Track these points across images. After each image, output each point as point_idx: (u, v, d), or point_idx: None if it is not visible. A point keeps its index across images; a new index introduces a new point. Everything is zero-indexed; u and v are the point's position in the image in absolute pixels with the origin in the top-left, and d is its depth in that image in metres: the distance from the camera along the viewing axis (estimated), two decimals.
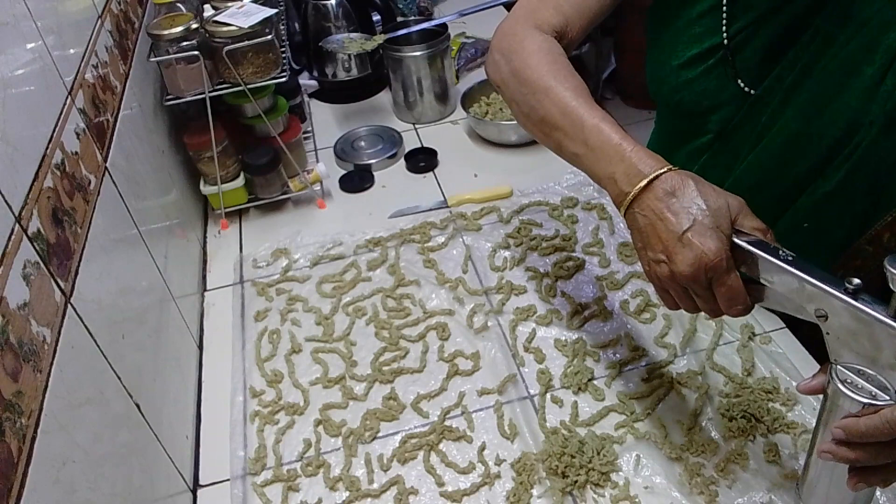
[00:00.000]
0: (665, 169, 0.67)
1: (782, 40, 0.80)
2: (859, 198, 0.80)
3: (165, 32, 1.07)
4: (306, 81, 1.59)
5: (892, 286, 0.53)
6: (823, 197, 0.80)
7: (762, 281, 0.64)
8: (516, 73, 0.82)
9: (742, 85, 0.83)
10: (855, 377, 0.57)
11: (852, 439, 0.56)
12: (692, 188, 0.65)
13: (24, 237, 0.59)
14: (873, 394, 0.56)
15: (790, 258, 0.61)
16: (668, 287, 0.68)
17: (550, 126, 0.77)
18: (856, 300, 0.56)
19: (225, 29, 1.09)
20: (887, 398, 0.55)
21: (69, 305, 0.64)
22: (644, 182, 0.66)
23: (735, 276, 0.64)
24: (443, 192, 1.28)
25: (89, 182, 0.76)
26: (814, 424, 0.70)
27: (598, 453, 0.81)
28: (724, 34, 0.82)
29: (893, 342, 0.54)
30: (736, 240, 0.64)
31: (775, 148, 0.81)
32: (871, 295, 0.56)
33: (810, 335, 0.94)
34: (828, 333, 0.59)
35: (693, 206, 0.64)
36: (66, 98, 0.76)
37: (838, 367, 0.58)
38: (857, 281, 0.56)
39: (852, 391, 0.56)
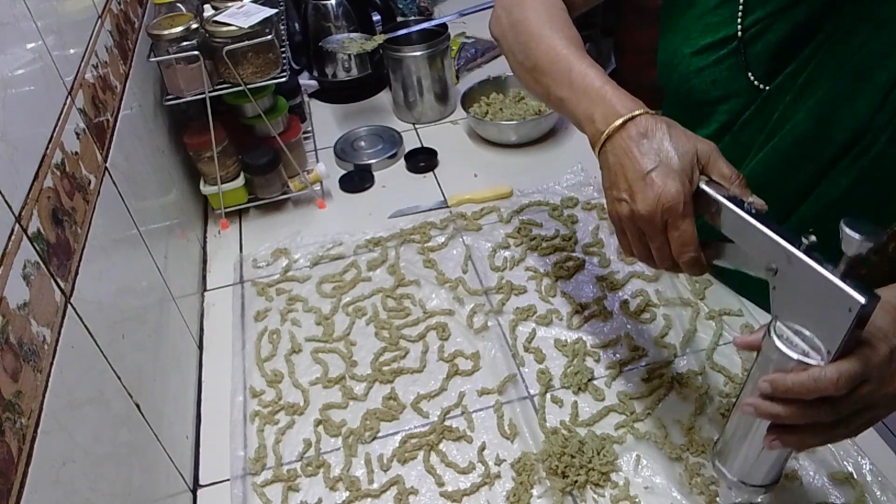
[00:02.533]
0: (641, 111, 0.68)
1: (796, 36, 0.80)
2: (866, 207, 0.80)
3: (165, 32, 1.07)
4: (306, 81, 1.59)
5: (843, 248, 0.53)
6: (830, 203, 0.80)
7: (723, 232, 0.64)
8: (514, 25, 0.85)
9: (752, 78, 0.83)
10: (792, 335, 0.57)
11: (777, 394, 0.56)
12: (663, 131, 0.65)
13: (24, 237, 0.59)
14: (806, 352, 0.56)
15: (752, 211, 0.61)
16: (627, 228, 0.68)
17: (540, 72, 0.79)
18: (808, 256, 0.56)
19: (225, 29, 1.09)
20: (818, 358, 0.55)
21: (69, 305, 0.64)
22: (619, 122, 0.67)
23: (689, 222, 0.64)
24: (443, 192, 1.28)
25: (89, 182, 0.76)
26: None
27: (598, 453, 0.81)
28: (739, 25, 0.82)
29: (836, 303, 0.53)
30: (703, 185, 0.64)
31: (785, 148, 0.80)
32: (827, 257, 0.56)
33: None
34: (774, 288, 0.59)
35: (661, 149, 0.65)
36: (66, 98, 0.76)
37: (777, 323, 0.59)
38: (813, 238, 0.56)
39: (786, 346, 0.57)
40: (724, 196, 0.63)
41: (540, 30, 0.81)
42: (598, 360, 0.94)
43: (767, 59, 0.82)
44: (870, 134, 0.74)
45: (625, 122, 0.67)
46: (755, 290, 0.95)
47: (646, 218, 0.65)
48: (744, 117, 0.85)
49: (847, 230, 0.52)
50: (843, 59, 0.75)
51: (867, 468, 0.78)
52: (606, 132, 0.68)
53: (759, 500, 0.76)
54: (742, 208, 0.62)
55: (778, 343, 0.57)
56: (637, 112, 0.68)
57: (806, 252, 0.56)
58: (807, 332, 0.57)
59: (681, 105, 0.91)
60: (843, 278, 0.53)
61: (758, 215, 0.61)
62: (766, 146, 0.83)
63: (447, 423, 0.89)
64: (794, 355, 0.56)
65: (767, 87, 0.83)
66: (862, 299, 0.52)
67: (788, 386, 0.55)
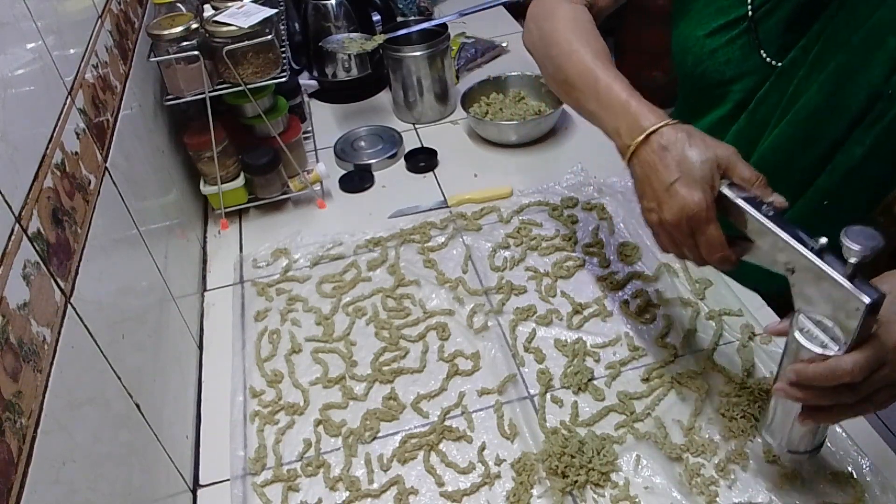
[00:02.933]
0: (662, 123, 0.71)
1: (806, 11, 0.81)
2: (879, 173, 0.80)
3: (165, 32, 1.07)
4: (306, 81, 1.59)
5: (845, 255, 0.58)
6: (846, 174, 0.81)
7: (746, 233, 0.68)
8: (544, 38, 0.90)
9: (764, 55, 0.85)
10: (813, 327, 0.63)
11: (801, 382, 0.62)
12: (683, 141, 0.70)
13: (24, 237, 0.59)
14: (824, 344, 0.61)
15: (770, 213, 0.65)
16: (660, 233, 0.74)
17: (570, 85, 0.84)
18: (820, 258, 0.61)
19: (225, 29, 1.09)
20: (836, 349, 0.61)
21: (69, 305, 0.64)
22: (641, 137, 0.72)
23: (715, 227, 0.68)
24: (443, 192, 1.28)
25: (89, 182, 0.76)
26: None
27: (598, 453, 0.81)
28: (749, 5, 0.85)
29: (846, 302, 0.59)
30: (724, 190, 0.68)
31: (800, 122, 0.82)
32: (837, 255, 0.60)
33: None
34: (793, 286, 0.64)
35: (683, 159, 0.69)
36: (66, 98, 0.76)
37: (800, 316, 0.64)
38: (823, 240, 0.61)
39: (807, 339, 0.62)
40: (743, 199, 0.67)
41: (568, 43, 0.85)
42: (598, 360, 0.94)
43: (778, 35, 0.83)
44: (882, 101, 0.76)
45: (647, 136, 0.71)
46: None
47: (673, 225, 0.70)
48: (758, 95, 0.86)
49: (846, 241, 0.58)
50: (853, 29, 0.76)
51: (867, 468, 0.78)
52: (632, 147, 0.73)
53: (760, 499, 0.76)
54: (760, 210, 0.66)
55: (798, 336, 0.63)
56: (659, 125, 0.71)
57: (817, 254, 0.61)
58: (827, 323, 0.62)
59: (696, 88, 0.92)
60: (850, 279, 0.58)
61: (774, 217, 0.65)
62: (782, 122, 0.83)
63: (447, 423, 0.89)
64: (814, 347, 0.62)
65: (780, 64, 0.84)
66: (867, 299, 0.57)
67: (810, 376, 0.61)
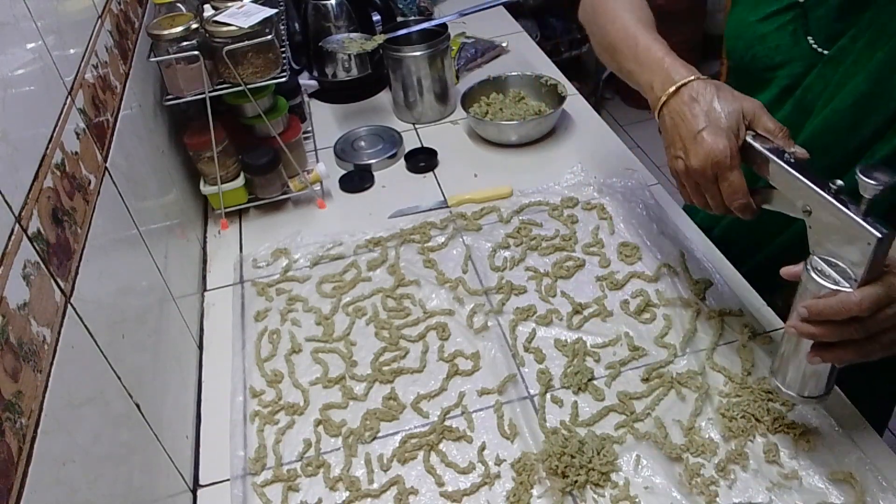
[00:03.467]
0: (693, 77, 0.77)
1: (856, 1, 0.82)
2: None
3: (165, 32, 1.07)
4: (306, 81, 1.59)
5: (861, 192, 0.62)
6: (884, 161, 0.82)
7: (768, 179, 0.72)
8: (595, 8, 0.98)
9: (812, 42, 0.87)
10: (826, 267, 0.67)
11: (812, 317, 0.65)
12: (712, 93, 0.75)
13: (24, 237, 0.59)
14: (836, 281, 0.66)
15: (792, 160, 0.70)
16: (685, 181, 0.78)
17: (613, 49, 0.89)
18: (835, 199, 0.65)
19: (225, 29, 1.09)
20: (847, 286, 0.65)
21: (69, 305, 0.64)
22: (673, 88, 0.77)
23: (737, 174, 0.73)
24: (443, 192, 1.28)
25: (89, 182, 0.76)
26: (811, 424, 0.82)
27: (598, 453, 0.81)
28: None
29: (858, 238, 0.63)
30: (749, 139, 0.73)
31: (845, 110, 0.83)
32: (853, 198, 0.64)
33: None
34: (810, 227, 0.68)
35: (710, 109, 0.74)
36: (66, 98, 0.76)
37: (814, 257, 0.68)
38: (840, 182, 0.65)
39: (820, 277, 0.66)
40: (766, 148, 0.71)
41: (614, 11, 0.92)
42: (598, 360, 0.94)
43: (828, 23, 0.85)
44: None
45: (678, 88, 0.77)
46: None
47: (699, 172, 0.74)
48: (805, 82, 0.87)
49: (862, 178, 0.62)
50: None
51: (867, 468, 0.78)
52: (663, 98, 0.78)
53: (760, 499, 0.76)
54: (782, 159, 0.70)
55: (812, 274, 0.67)
56: (690, 78, 0.77)
57: (833, 195, 0.65)
58: (840, 264, 0.66)
59: (745, 72, 0.94)
60: (864, 217, 0.63)
61: (795, 164, 0.69)
62: (826, 109, 0.85)
63: (447, 423, 0.89)
64: (826, 284, 0.66)
65: (827, 52, 0.85)
66: (878, 234, 0.61)
67: (820, 309, 0.65)
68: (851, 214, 0.63)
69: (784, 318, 0.96)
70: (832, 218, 0.65)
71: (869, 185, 0.62)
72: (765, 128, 0.73)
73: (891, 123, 0.82)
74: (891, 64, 0.79)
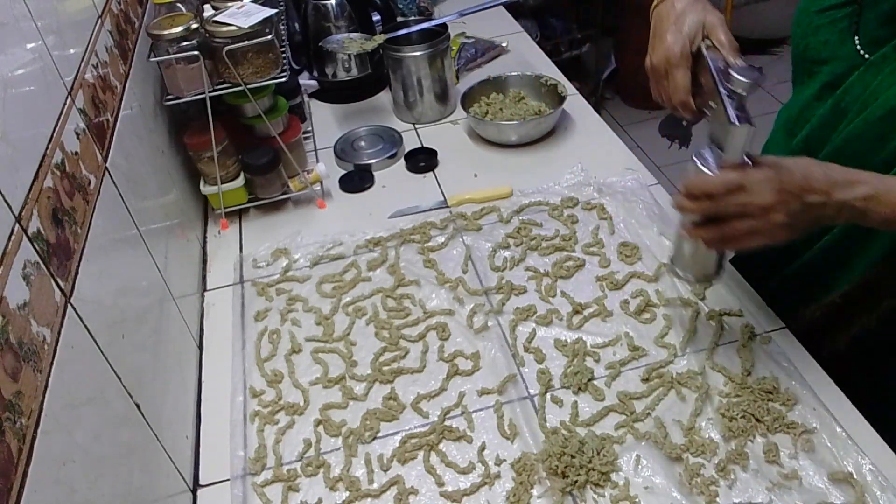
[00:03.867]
0: None
1: None
2: None
3: (165, 32, 1.07)
4: (306, 81, 1.59)
5: (733, 87, 0.74)
6: None
7: (701, 80, 0.82)
8: None
9: (857, 43, 0.86)
10: (709, 156, 0.76)
11: (685, 191, 0.76)
12: (689, 5, 0.83)
13: (24, 237, 0.59)
14: (710, 168, 0.75)
15: (720, 67, 0.77)
16: (650, 75, 0.87)
17: None
18: (726, 92, 0.74)
19: (225, 29, 1.09)
20: (714, 171, 0.75)
21: (69, 305, 0.64)
22: None
23: (682, 73, 0.82)
24: (443, 192, 1.28)
25: (89, 182, 0.76)
26: (811, 424, 0.83)
27: (598, 453, 0.81)
28: None
29: (726, 126, 0.73)
30: (703, 48, 0.82)
31: (875, 120, 0.83)
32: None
33: (810, 335, 0.94)
34: (710, 122, 0.79)
35: (681, 16, 0.83)
36: (66, 98, 0.76)
37: (700, 149, 0.78)
38: (742, 92, 0.74)
39: (699, 161, 0.77)
40: (709, 56, 0.80)
41: None
42: (598, 360, 0.94)
43: (875, 27, 0.84)
44: None
45: None
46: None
47: (654, 65, 0.85)
48: (846, 83, 0.87)
49: (734, 75, 0.74)
50: None
51: (867, 468, 0.78)
52: (655, 2, 0.88)
53: (760, 499, 0.76)
54: (712, 64, 0.78)
55: (694, 158, 0.77)
56: None
57: (727, 91, 0.75)
58: (718, 152, 0.76)
59: (799, 61, 0.96)
60: (735, 109, 0.73)
61: (718, 70, 0.77)
62: (859, 117, 0.85)
63: (447, 423, 0.89)
64: (700, 166, 0.76)
65: (869, 56, 0.85)
66: (736, 123, 0.72)
67: (687, 185, 0.76)
68: (726, 104, 0.73)
69: (783, 318, 0.97)
70: (720, 108, 0.75)
71: (740, 81, 0.74)
72: (718, 40, 0.81)
73: None
74: None
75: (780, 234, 0.74)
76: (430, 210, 1.24)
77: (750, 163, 0.74)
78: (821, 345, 0.93)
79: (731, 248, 0.81)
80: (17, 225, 0.58)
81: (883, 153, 0.83)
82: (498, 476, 0.83)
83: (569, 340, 0.97)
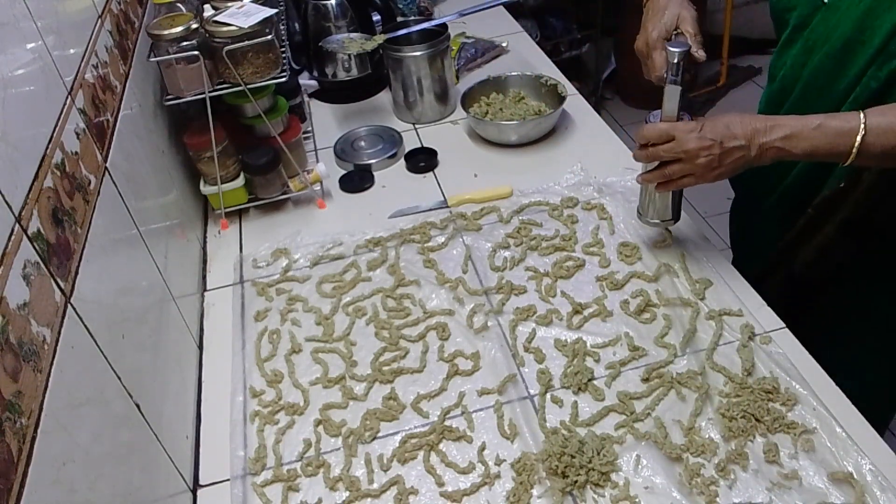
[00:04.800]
0: None
1: None
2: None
3: (165, 32, 1.07)
4: (306, 81, 1.59)
5: (668, 58, 0.91)
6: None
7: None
8: None
9: None
10: (656, 115, 0.94)
11: (639, 141, 0.93)
12: (673, 1, 0.99)
13: (24, 237, 0.59)
14: (657, 118, 0.93)
15: (678, 50, 0.90)
16: (638, 56, 1.01)
17: None
18: (668, 66, 0.91)
19: (225, 29, 1.09)
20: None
21: (69, 305, 0.64)
22: None
23: (659, 53, 0.96)
24: (443, 192, 1.28)
25: (89, 182, 0.76)
26: (811, 424, 0.84)
27: (598, 453, 0.81)
28: None
29: (665, 94, 0.91)
30: (674, 36, 0.97)
31: (835, 53, 0.93)
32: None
33: (810, 335, 0.95)
34: (664, 90, 0.92)
35: (665, 10, 0.98)
36: (66, 98, 0.76)
37: (658, 111, 0.94)
38: (678, 69, 0.91)
39: (649, 119, 0.95)
40: (671, 43, 0.94)
41: None
42: (598, 360, 0.94)
43: None
44: None
45: None
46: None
47: (639, 48, 1.00)
48: (811, 24, 0.97)
49: (669, 47, 0.91)
50: None
51: (867, 468, 0.78)
52: None
53: (760, 499, 0.76)
54: (671, 45, 0.92)
55: (646, 119, 0.95)
56: None
57: (671, 64, 0.91)
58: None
59: (773, 14, 1.07)
60: (672, 74, 0.91)
61: (673, 42, 0.94)
62: (821, 51, 0.96)
63: (447, 423, 0.89)
64: (651, 118, 0.94)
65: (825, 2, 0.94)
66: (673, 85, 0.90)
67: (642, 133, 0.92)
68: (666, 71, 0.91)
69: (783, 318, 0.97)
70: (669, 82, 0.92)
71: (673, 52, 0.90)
72: (686, 30, 0.96)
73: (866, 69, 0.90)
74: (873, 12, 0.88)
75: (708, 175, 0.90)
76: (430, 210, 1.24)
77: (688, 117, 0.92)
78: (821, 346, 0.94)
79: (672, 188, 0.96)
80: (17, 225, 0.58)
81: (843, 82, 0.94)
82: (498, 476, 0.83)
83: (569, 340, 0.97)
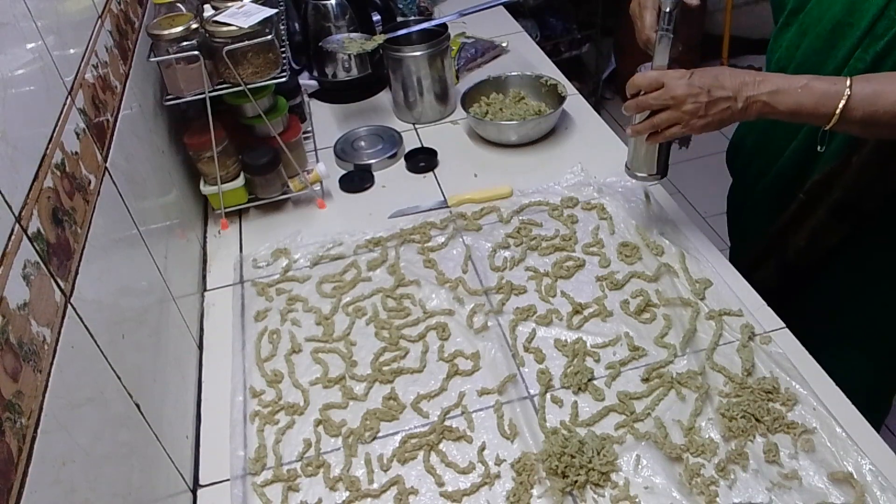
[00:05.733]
0: None
1: None
2: None
3: (165, 32, 1.07)
4: (306, 81, 1.59)
5: (663, 8, 0.91)
6: None
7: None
8: None
9: None
10: (647, 66, 0.96)
11: (630, 90, 0.94)
12: None
13: (24, 237, 0.59)
14: (648, 69, 0.95)
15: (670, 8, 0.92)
16: (632, 19, 1.01)
17: None
18: (668, 16, 0.92)
19: (225, 29, 1.09)
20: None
21: (69, 305, 0.64)
22: None
23: (650, 12, 0.97)
24: (443, 192, 1.28)
25: (89, 182, 0.76)
26: (811, 424, 0.83)
27: (598, 453, 0.81)
28: None
29: (655, 43, 0.94)
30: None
31: (825, 34, 0.95)
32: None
33: (812, 336, 0.95)
34: (656, 40, 0.94)
35: None
36: (66, 98, 0.76)
37: (645, 63, 0.97)
38: (671, 25, 0.92)
39: (643, 68, 0.97)
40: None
41: None
42: (598, 360, 0.94)
43: None
44: (882, 20, 0.89)
45: None
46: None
47: (632, 9, 1.01)
48: (807, 7, 0.99)
49: None
50: None
51: (867, 468, 0.78)
52: None
53: (760, 499, 0.76)
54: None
55: (638, 69, 0.97)
56: None
57: (667, 17, 0.91)
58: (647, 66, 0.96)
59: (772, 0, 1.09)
60: (663, 24, 0.91)
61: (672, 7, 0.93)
62: (813, 33, 0.98)
63: (447, 423, 0.89)
64: (642, 69, 0.96)
65: None
66: (661, 32, 0.92)
67: (629, 83, 0.94)
68: (659, 21, 0.92)
69: (783, 318, 0.97)
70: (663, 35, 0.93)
71: (666, 1, 0.90)
72: None
73: (854, 51, 0.92)
74: None
75: (695, 123, 0.91)
76: (430, 210, 1.24)
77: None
78: (821, 347, 0.94)
79: (660, 140, 0.96)
80: (17, 225, 0.58)
81: (832, 64, 0.95)
82: (498, 476, 0.83)
83: (569, 340, 0.97)
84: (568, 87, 1.44)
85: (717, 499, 0.77)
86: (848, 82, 0.84)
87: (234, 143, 1.22)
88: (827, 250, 1.06)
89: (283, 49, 1.18)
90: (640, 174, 1.04)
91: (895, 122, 0.83)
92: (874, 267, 1.06)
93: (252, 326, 1.05)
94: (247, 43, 1.09)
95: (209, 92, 1.12)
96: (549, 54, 1.71)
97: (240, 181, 1.22)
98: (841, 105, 0.84)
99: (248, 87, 1.14)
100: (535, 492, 0.80)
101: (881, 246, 1.03)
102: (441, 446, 0.86)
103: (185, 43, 1.08)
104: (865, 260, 1.05)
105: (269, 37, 1.11)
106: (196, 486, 0.86)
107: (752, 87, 0.88)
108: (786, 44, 1.03)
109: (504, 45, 1.72)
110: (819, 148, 0.96)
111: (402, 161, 1.37)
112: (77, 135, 0.76)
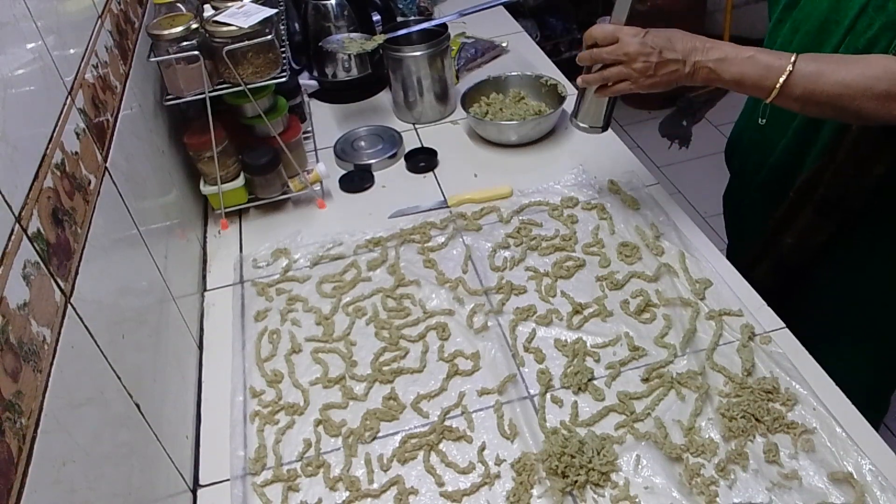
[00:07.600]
0: None
1: None
2: None
3: (165, 32, 1.07)
4: (306, 81, 1.59)
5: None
6: None
7: None
8: None
9: None
10: (606, 20, 0.97)
11: (586, 42, 0.97)
12: None
13: (24, 237, 0.59)
14: (606, 20, 0.97)
15: None
16: None
17: None
18: None
19: (225, 29, 1.09)
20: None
21: (69, 305, 0.64)
22: None
23: None
24: (443, 192, 1.28)
25: (89, 182, 0.76)
26: (811, 424, 0.83)
27: (598, 453, 0.81)
28: None
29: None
30: None
31: (813, 31, 0.97)
32: None
33: (810, 335, 0.95)
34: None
35: None
36: (66, 98, 0.76)
37: (604, 17, 0.98)
38: None
39: (601, 20, 0.97)
40: None
41: None
42: (598, 360, 0.94)
43: None
44: (864, 16, 0.90)
45: None
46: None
47: None
48: (800, 4, 1.00)
49: None
50: None
51: (867, 468, 0.78)
52: None
53: (760, 499, 0.76)
54: None
55: (596, 21, 0.97)
56: None
57: None
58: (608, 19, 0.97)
59: None
60: None
61: None
62: (803, 30, 0.99)
63: (447, 423, 0.89)
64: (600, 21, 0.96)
65: None
66: None
67: (585, 34, 0.97)
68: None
69: (783, 318, 0.97)
70: None
71: None
72: None
73: (839, 47, 0.93)
74: None
75: (643, 82, 0.93)
76: (430, 210, 1.24)
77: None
78: (821, 347, 0.94)
79: (609, 94, 0.99)
80: (17, 225, 0.58)
81: None
82: (498, 476, 0.83)
83: (569, 340, 0.97)
84: (568, 87, 1.44)
85: (717, 499, 0.77)
86: (792, 58, 0.86)
87: (234, 143, 1.22)
88: (816, 249, 1.07)
89: (283, 49, 1.18)
90: (582, 124, 1.07)
91: (832, 102, 0.85)
92: (867, 265, 1.06)
93: (252, 326, 1.05)
94: (247, 43, 1.09)
95: (209, 92, 1.12)
96: (549, 54, 1.71)
97: (240, 181, 1.22)
98: (781, 80, 0.86)
99: (248, 87, 1.14)
100: (535, 492, 0.80)
101: (870, 243, 1.03)
102: (441, 446, 0.86)
103: (185, 43, 1.08)
104: (857, 258, 1.06)
105: (269, 37, 1.11)
106: (196, 486, 0.86)
107: (700, 52, 0.90)
108: (780, 40, 1.04)
109: (504, 45, 1.72)
110: (760, 121, 0.99)
111: (402, 161, 1.37)
112: (77, 135, 0.76)
